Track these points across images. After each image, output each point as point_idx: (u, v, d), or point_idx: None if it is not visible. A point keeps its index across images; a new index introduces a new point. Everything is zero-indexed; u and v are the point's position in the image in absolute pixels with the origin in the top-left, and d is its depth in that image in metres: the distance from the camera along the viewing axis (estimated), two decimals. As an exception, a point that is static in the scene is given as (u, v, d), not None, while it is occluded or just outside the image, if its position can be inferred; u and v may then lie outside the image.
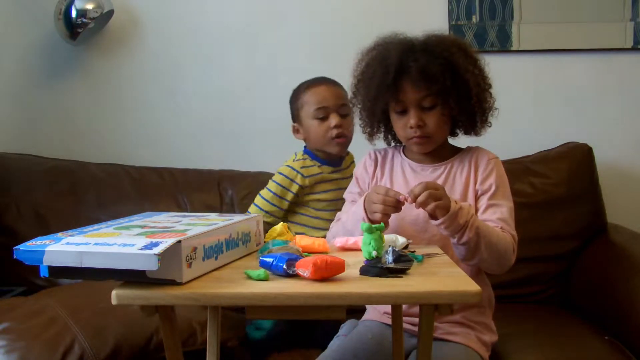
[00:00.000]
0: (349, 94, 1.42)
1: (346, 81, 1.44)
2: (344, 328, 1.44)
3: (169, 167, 2.08)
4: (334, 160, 1.71)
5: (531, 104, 2.16)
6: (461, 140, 1.45)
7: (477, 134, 1.39)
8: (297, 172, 1.66)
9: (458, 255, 1.27)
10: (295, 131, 1.72)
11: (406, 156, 1.43)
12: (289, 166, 1.69)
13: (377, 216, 1.22)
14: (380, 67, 1.30)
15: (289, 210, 1.70)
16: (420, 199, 1.16)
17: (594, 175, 1.98)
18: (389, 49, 1.31)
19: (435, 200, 1.16)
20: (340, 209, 1.48)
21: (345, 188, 1.50)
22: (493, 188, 1.33)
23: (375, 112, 1.36)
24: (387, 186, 1.29)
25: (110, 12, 2.11)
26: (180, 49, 2.20)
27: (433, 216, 1.19)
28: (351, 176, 1.52)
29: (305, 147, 1.74)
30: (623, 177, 2.15)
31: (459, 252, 1.24)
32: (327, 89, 1.66)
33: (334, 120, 1.63)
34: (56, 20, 2.07)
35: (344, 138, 1.64)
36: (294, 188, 1.66)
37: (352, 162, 1.75)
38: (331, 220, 1.48)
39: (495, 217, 1.30)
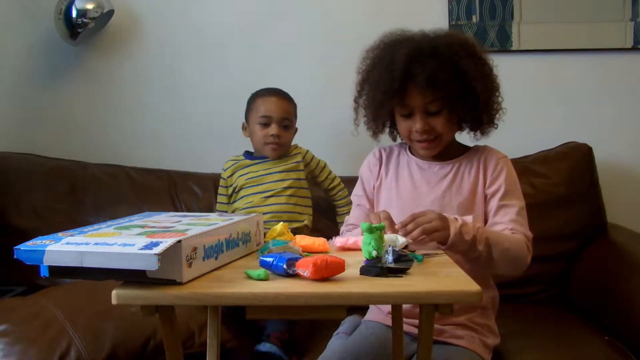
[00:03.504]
0: (355, 91, 1.41)
1: (347, 79, 1.44)
2: (345, 325, 1.43)
3: (168, 168, 2.08)
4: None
5: (531, 104, 2.16)
6: (466, 138, 1.44)
7: (482, 133, 1.38)
8: (223, 170, 1.96)
9: (472, 271, 1.25)
10: (244, 129, 1.96)
11: (412, 154, 1.43)
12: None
13: None
14: (387, 72, 1.28)
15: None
16: (414, 235, 1.14)
17: (593, 175, 1.98)
18: (394, 53, 1.28)
19: (430, 233, 1.14)
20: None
21: (280, 172, 1.83)
22: (503, 189, 1.32)
23: (381, 114, 1.35)
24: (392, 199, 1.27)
25: (110, 12, 2.11)
26: (180, 49, 2.20)
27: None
28: (294, 163, 1.85)
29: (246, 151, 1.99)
30: (623, 177, 2.15)
31: (472, 267, 1.21)
32: (275, 101, 1.88)
33: (273, 130, 1.85)
34: (56, 20, 2.07)
35: (276, 145, 1.86)
36: (222, 182, 1.94)
37: (298, 153, 1.93)
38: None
39: (507, 219, 1.29)
